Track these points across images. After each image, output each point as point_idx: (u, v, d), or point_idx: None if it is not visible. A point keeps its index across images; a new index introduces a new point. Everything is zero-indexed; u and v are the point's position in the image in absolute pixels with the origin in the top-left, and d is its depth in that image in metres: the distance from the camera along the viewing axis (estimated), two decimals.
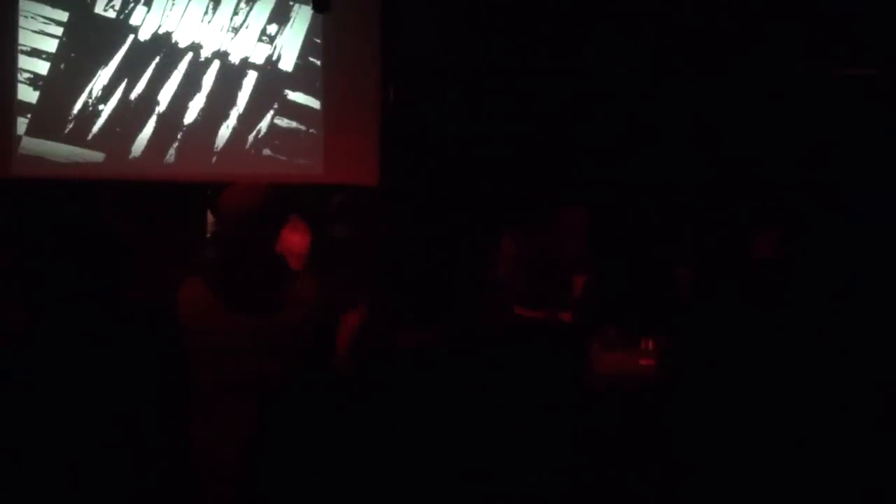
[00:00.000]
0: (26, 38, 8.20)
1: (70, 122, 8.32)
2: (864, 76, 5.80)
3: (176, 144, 8.51)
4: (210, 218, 6.22)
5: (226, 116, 8.60)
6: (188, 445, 3.18)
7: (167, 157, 8.32)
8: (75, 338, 3.30)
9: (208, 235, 6.25)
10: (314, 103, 7.86)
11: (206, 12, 8.52)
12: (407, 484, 2.80)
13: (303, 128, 8.18)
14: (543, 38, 6.11)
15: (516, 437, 2.84)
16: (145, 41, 8.39)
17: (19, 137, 7.84)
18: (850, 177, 5.79)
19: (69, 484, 3.09)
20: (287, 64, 8.62)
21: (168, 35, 8.43)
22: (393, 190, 6.02)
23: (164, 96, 8.45)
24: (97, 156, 8.38)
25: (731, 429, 3.32)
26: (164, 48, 8.44)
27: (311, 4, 6.51)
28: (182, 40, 8.47)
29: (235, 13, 8.54)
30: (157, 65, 8.44)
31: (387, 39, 6.36)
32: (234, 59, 8.56)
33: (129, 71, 8.20)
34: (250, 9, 8.57)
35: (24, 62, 7.94)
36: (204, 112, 8.51)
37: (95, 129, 8.38)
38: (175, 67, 8.46)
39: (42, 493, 3.12)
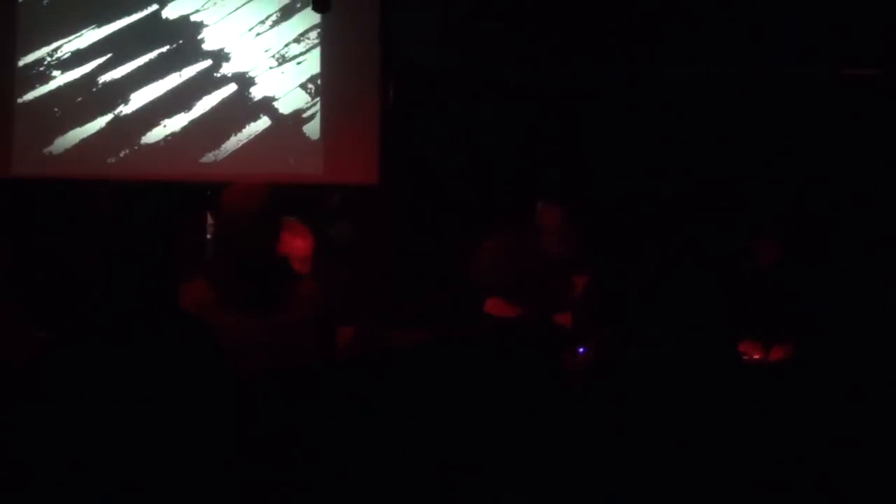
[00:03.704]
0: None
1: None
2: (866, 77, 5.92)
3: (112, 160, 5.72)
4: (210, 219, 5.54)
5: (193, 160, 5.45)
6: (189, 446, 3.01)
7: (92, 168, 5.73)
8: (78, 338, 2.93)
9: (209, 236, 5.59)
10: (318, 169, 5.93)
11: (262, 21, 5.75)
12: (399, 482, 2.83)
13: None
14: (543, 38, 5.99)
15: (495, 437, 2.82)
16: (166, 20, 5.83)
17: None
18: (852, 179, 5.75)
19: (71, 484, 2.81)
20: (315, 129, 5.45)
21: (198, 26, 5.74)
22: (393, 190, 5.93)
23: (139, 97, 5.80)
24: None
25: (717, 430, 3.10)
26: (182, 38, 5.83)
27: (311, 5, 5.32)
28: (211, 41, 5.74)
29: (297, 41, 5.68)
30: (160, 56, 5.81)
31: (387, 39, 5.92)
32: (257, 93, 5.73)
33: (120, 46, 5.78)
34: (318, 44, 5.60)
35: None
36: (173, 139, 5.75)
37: (28, 97, 5.75)
38: (177, 69, 5.77)
39: (45, 493, 2.85)
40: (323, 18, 5.62)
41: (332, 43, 5.86)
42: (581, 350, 3.41)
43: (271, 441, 3.02)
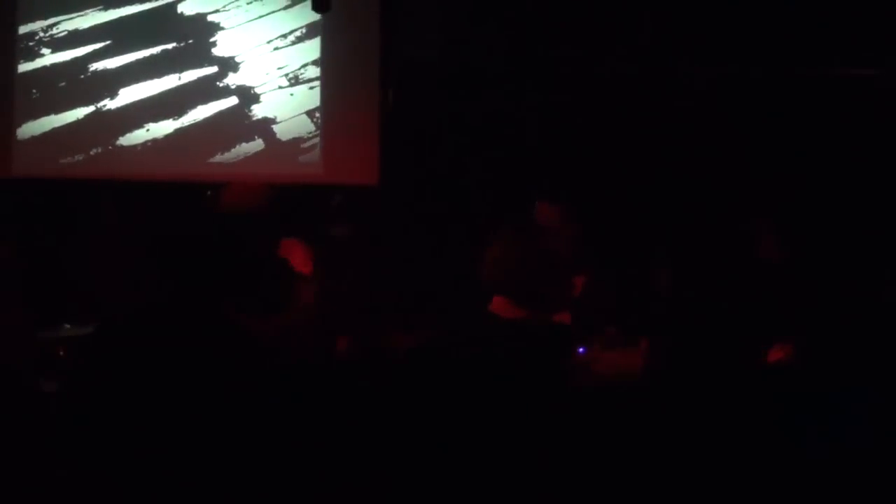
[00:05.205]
0: None
1: None
2: (864, 76, 5.98)
3: (80, 157, 4.99)
4: None
5: (174, 166, 4.73)
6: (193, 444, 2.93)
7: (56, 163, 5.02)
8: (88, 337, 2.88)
9: None
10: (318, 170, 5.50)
11: (283, 35, 5.04)
12: (399, 482, 2.88)
13: None
14: (543, 38, 5.89)
15: (500, 439, 2.86)
16: (180, 15, 5.15)
17: None
18: (851, 179, 5.78)
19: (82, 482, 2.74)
20: (313, 159, 4.68)
21: (212, 28, 5.10)
22: (393, 190, 5.80)
23: (128, 94, 5.08)
24: None
25: (720, 431, 3.23)
26: (191, 38, 5.14)
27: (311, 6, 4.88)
28: (223, 46, 5.10)
29: (316, 63, 5.16)
30: (163, 52, 5.12)
31: (387, 39, 5.73)
32: (259, 112, 5.11)
33: (121, 35, 5.09)
34: None
35: None
36: (153, 145, 4.96)
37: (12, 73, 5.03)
38: (178, 70, 5.12)
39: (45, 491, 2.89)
40: (323, 19, 5.15)
41: (332, 43, 5.42)
42: (581, 350, 3.39)
43: (269, 442, 2.93)
